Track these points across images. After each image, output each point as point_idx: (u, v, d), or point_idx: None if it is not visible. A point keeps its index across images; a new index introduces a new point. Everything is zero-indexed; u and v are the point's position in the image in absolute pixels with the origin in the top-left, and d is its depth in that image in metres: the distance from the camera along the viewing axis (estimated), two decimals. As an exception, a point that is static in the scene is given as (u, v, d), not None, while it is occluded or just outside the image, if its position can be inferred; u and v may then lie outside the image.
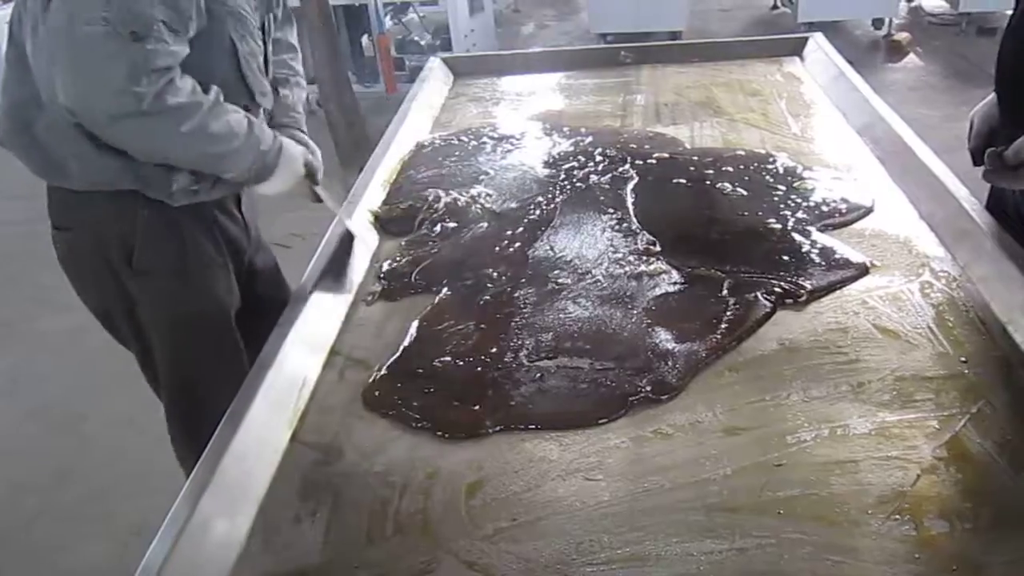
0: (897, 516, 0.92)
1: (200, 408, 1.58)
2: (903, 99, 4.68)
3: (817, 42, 2.49)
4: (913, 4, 7.03)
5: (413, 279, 1.47)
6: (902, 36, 5.89)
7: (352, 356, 1.31)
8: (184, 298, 1.57)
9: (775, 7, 7.36)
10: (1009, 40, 1.43)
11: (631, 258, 1.44)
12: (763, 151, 1.85)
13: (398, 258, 1.55)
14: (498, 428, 1.11)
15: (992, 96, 1.64)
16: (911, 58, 5.77)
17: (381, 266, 1.53)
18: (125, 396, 2.81)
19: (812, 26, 6.04)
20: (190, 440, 1.66)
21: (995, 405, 1.07)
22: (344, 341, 1.35)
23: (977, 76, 5.33)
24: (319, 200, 1.63)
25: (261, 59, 1.56)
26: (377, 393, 1.21)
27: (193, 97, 1.33)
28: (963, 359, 1.16)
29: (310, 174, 1.60)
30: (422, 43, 5.74)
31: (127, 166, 1.42)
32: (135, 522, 2.25)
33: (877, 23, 6.34)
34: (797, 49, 2.53)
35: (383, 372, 1.25)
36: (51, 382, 3.01)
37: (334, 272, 1.46)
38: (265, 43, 1.58)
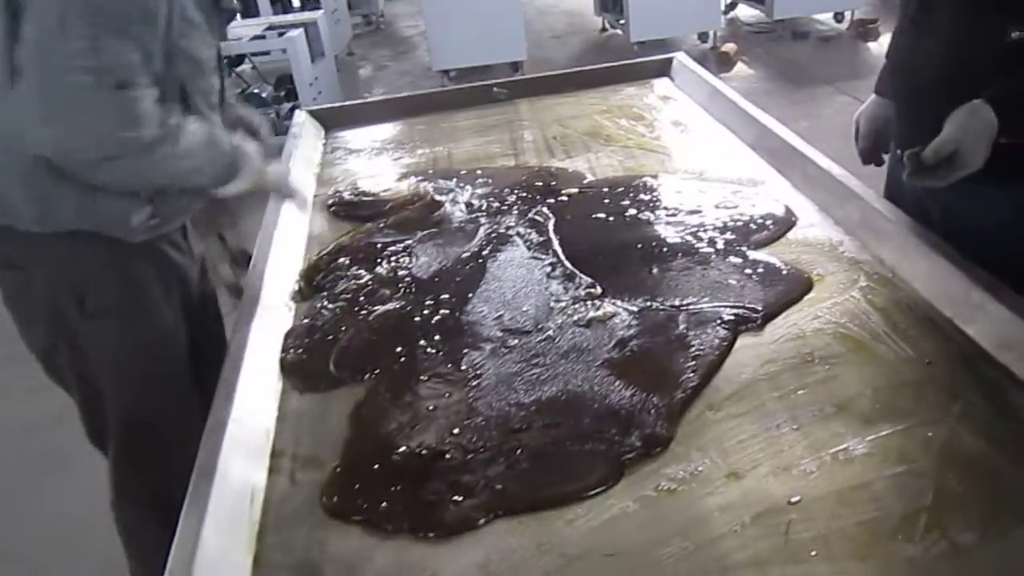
0: (926, 535, 0.90)
1: (153, 452, 1.57)
2: (742, 105, 4.93)
3: (682, 61, 2.54)
4: (730, 15, 7.47)
5: (333, 368, 1.33)
6: (729, 47, 6.22)
7: (298, 454, 1.17)
8: (135, 338, 1.53)
9: (604, 29, 7.62)
10: (902, 47, 1.49)
11: (576, 305, 1.37)
12: (668, 174, 1.85)
13: (300, 349, 1.39)
14: (490, 516, 1.01)
15: (873, 97, 1.71)
16: (740, 67, 6.11)
17: (285, 356, 1.39)
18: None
19: (644, 44, 6.30)
20: (140, 489, 1.62)
21: (973, 402, 1.09)
22: (285, 438, 1.21)
23: (799, 76, 5.71)
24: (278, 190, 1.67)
25: (217, 95, 1.54)
26: (336, 498, 1.07)
27: (163, 130, 1.34)
28: (928, 361, 1.17)
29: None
30: (264, 95, 5.48)
31: (84, 207, 1.40)
32: None
33: (702, 36, 6.68)
34: (664, 70, 2.58)
35: (336, 471, 1.12)
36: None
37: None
38: (221, 75, 1.56)
